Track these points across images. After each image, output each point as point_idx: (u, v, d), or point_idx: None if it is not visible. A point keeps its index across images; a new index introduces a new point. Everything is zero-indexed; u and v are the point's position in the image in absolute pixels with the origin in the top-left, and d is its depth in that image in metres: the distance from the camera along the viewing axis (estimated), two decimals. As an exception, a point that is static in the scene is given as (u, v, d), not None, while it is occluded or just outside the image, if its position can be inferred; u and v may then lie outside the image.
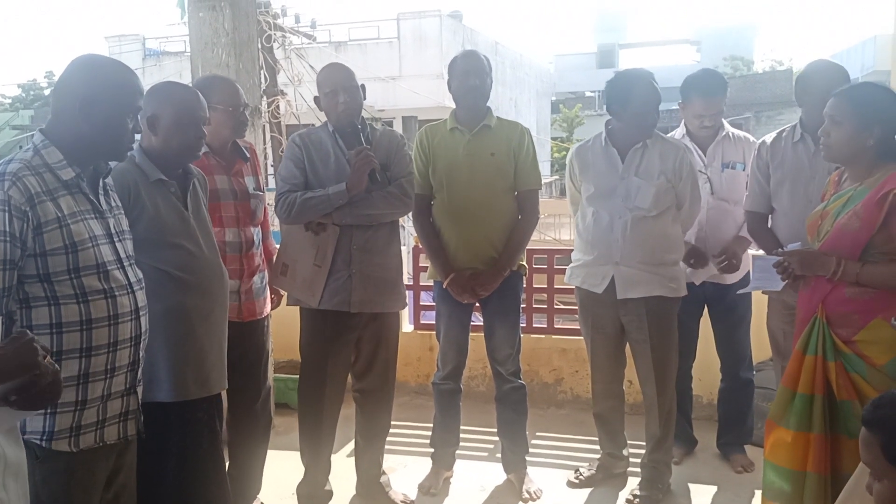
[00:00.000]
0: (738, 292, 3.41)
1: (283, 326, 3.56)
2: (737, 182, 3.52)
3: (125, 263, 2.01)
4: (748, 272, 3.57)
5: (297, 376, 3.28)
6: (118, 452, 2.04)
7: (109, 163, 2.06)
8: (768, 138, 3.32)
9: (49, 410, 1.84)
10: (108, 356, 1.92)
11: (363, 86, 3.13)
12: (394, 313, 3.27)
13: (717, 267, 3.46)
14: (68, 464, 1.88)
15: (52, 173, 1.88)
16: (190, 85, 2.75)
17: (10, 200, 1.77)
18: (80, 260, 1.87)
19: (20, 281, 1.82)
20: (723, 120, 3.59)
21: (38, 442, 1.84)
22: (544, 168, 26.24)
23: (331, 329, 3.09)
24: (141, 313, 2.01)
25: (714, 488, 3.51)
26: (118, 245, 2.00)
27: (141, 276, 2.07)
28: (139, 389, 2.07)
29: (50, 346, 1.82)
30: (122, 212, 2.11)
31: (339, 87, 3.03)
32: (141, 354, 2.04)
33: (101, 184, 2.01)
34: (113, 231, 2.00)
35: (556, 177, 27.30)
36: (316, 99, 3.12)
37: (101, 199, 2.00)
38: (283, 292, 3.30)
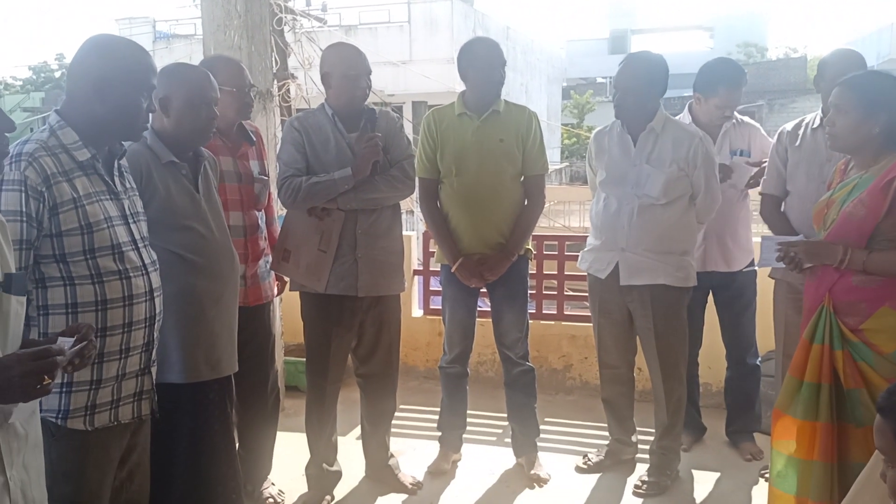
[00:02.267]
0: (744, 269, 3.41)
1: (293, 310, 3.57)
2: (744, 168, 3.51)
3: (140, 245, 2.02)
4: (752, 260, 3.58)
5: (305, 359, 3.30)
6: (132, 431, 2.07)
7: (124, 144, 2.07)
8: (789, 125, 3.31)
9: (64, 389, 1.87)
10: (122, 336, 1.94)
11: None
12: (395, 296, 3.27)
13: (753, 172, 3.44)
14: (83, 442, 1.91)
15: (67, 154, 1.89)
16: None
17: (26, 181, 1.79)
18: (95, 241, 1.88)
19: (36, 261, 1.84)
20: None
21: (53, 420, 1.87)
22: (554, 155, 26.19)
23: (335, 313, 3.10)
24: (155, 294, 2.03)
25: (722, 475, 3.52)
26: (133, 226, 2.01)
27: (155, 257, 2.08)
28: (153, 370, 2.09)
29: (66, 326, 1.83)
30: (137, 193, 2.12)
31: (364, 72, 3.03)
32: (155, 335, 2.06)
33: (115, 165, 2.02)
34: (128, 212, 2.01)
35: (567, 163, 27.19)
36: (325, 76, 3.07)
37: (116, 180, 2.01)
38: (286, 278, 3.30)
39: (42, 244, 1.83)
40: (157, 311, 2.04)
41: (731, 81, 3.44)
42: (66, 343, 1.51)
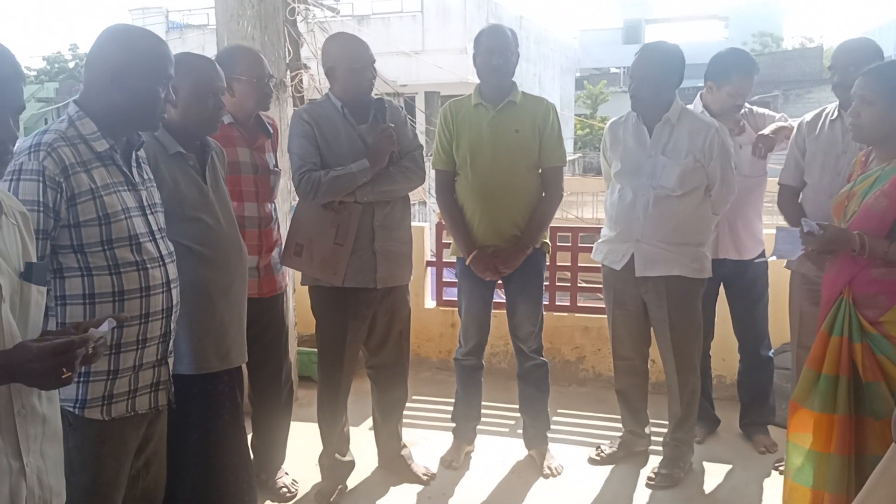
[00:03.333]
0: (756, 260, 3.40)
1: (306, 300, 3.58)
2: (753, 158, 3.48)
3: (157, 236, 2.02)
4: (763, 250, 3.55)
5: (318, 353, 3.29)
6: (149, 421, 2.07)
7: (141, 135, 2.07)
8: (808, 116, 3.29)
9: (82, 379, 1.88)
10: (139, 327, 1.94)
11: None
12: (404, 286, 3.27)
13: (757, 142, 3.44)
14: (100, 431, 1.92)
15: (86, 144, 1.89)
16: (211, 56, 2.74)
17: (44, 171, 1.79)
18: (112, 231, 1.88)
19: (54, 251, 1.84)
20: None
21: (70, 409, 1.88)
22: (568, 145, 26.06)
23: (352, 306, 3.09)
24: (172, 286, 2.03)
25: (736, 468, 3.50)
26: (150, 217, 2.01)
27: (172, 248, 2.08)
28: (170, 360, 2.10)
29: (83, 316, 1.85)
30: (154, 184, 2.12)
31: (369, 63, 3.00)
32: (172, 326, 2.06)
33: (133, 156, 2.02)
34: (145, 203, 2.01)
35: (580, 154, 27.09)
36: (329, 70, 3.03)
37: (134, 171, 2.01)
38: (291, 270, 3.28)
39: (60, 234, 1.83)
40: (174, 302, 2.05)
41: (744, 69, 3.43)
42: (96, 334, 1.51)
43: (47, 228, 1.80)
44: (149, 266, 1.95)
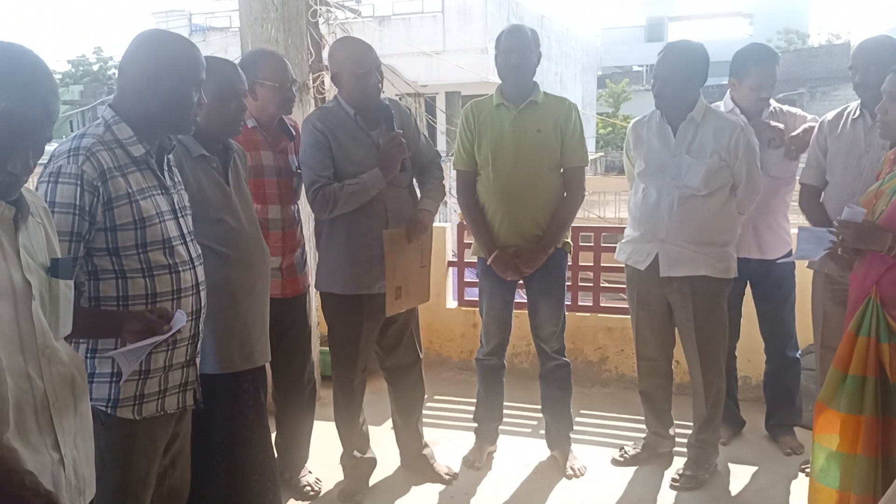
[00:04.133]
0: (779, 260, 3.40)
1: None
2: (778, 157, 3.44)
3: (187, 239, 2.05)
4: (790, 250, 3.52)
5: (331, 355, 3.29)
6: (176, 420, 2.10)
7: (173, 139, 2.10)
8: (830, 115, 3.27)
9: (114, 379, 1.91)
10: None
11: None
12: None
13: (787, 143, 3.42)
14: (131, 430, 1.95)
15: (123, 149, 1.92)
16: (235, 60, 2.77)
17: (83, 175, 1.82)
18: (147, 235, 1.91)
19: (89, 253, 1.87)
20: None
21: (103, 409, 1.91)
22: (589, 144, 25.91)
23: (367, 308, 3.09)
24: (201, 288, 2.06)
25: (761, 469, 3.47)
26: (181, 221, 2.04)
27: (200, 251, 2.11)
28: (198, 361, 2.13)
29: None
30: (184, 187, 2.15)
31: (374, 67, 2.99)
32: (201, 328, 2.09)
33: (165, 160, 2.05)
34: (177, 207, 2.04)
35: (602, 153, 26.97)
36: (335, 76, 3.01)
37: (166, 174, 2.04)
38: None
39: (96, 237, 1.87)
40: (203, 304, 2.08)
41: (762, 60, 3.42)
42: (179, 317, 1.83)
43: (81, 231, 1.83)
44: (181, 269, 1.99)
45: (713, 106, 3.36)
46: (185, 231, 2.05)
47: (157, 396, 1.99)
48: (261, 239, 2.55)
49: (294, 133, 3.15)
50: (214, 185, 2.41)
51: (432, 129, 18.14)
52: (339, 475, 3.37)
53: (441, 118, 15.32)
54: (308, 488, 3.28)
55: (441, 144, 18.00)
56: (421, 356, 3.39)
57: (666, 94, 3.16)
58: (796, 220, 3.64)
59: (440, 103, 18.38)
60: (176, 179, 2.10)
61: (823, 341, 3.17)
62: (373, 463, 3.37)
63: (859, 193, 2.80)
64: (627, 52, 39.75)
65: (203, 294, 2.08)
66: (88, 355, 1.91)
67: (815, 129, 3.29)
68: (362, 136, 3.02)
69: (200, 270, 2.08)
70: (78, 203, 1.81)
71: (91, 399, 1.79)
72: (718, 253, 3.18)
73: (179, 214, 2.04)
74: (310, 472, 3.36)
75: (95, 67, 41.07)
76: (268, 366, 2.67)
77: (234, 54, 3.90)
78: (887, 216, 2.42)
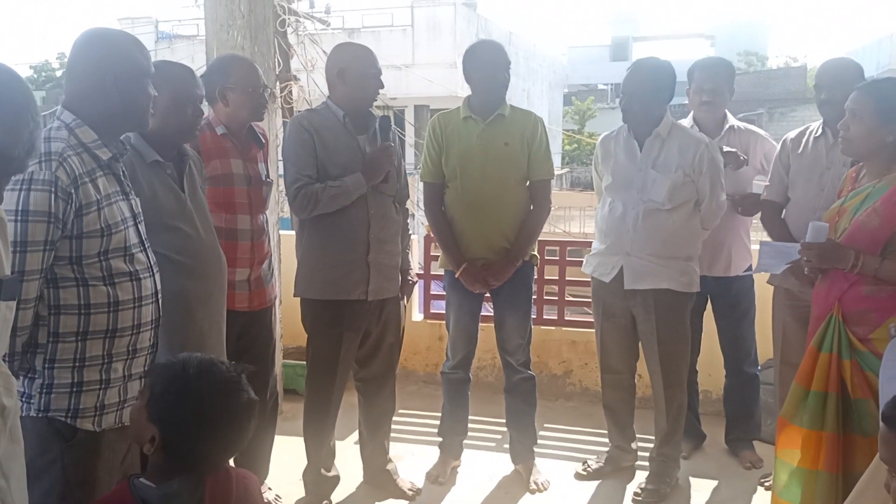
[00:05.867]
0: (742, 273, 3.45)
1: (293, 312, 3.55)
2: (740, 175, 3.50)
3: (146, 245, 2.01)
4: (749, 265, 3.57)
5: (305, 363, 3.26)
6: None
7: (125, 143, 2.05)
8: (793, 133, 3.33)
9: (74, 389, 1.85)
10: (131, 338, 1.93)
11: None
12: (395, 297, 3.24)
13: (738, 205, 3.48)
14: (95, 445, 1.89)
15: (89, 153, 1.87)
16: (201, 66, 2.73)
17: (56, 181, 1.75)
18: (111, 242, 1.86)
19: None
20: (727, 113, 3.59)
21: (63, 419, 1.84)
22: (555, 160, 26.15)
23: (347, 318, 3.06)
24: (159, 296, 2.02)
25: (721, 483, 3.49)
26: (140, 227, 2.00)
27: (155, 259, 2.06)
28: None
29: (77, 326, 1.83)
30: (136, 193, 2.09)
31: (380, 72, 3.00)
32: (158, 337, 2.04)
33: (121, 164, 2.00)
34: (136, 212, 1.99)
35: (567, 169, 27.23)
36: (340, 73, 2.96)
37: (123, 179, 1.99)
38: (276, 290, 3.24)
39: (60, 245, 1.80)
40: (161, 312, 2.03)
41: (703, 65, 3.55)
42: None
43: (54, 239, 1.77)
44: (141, 276, 1.94)
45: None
46: (143, 238, 2.00)
47: (117, 407, 1.93)
48: (218, 247, 2.50)
49: (263, 141, 3.12)
50: (169, 191, 2.35)
51: (401, 143, 18.15)
52: (300, 491, 3.30)
53: (410, 131, 15.33)
54: (268, 504, 3.21)
55: (410, 157, 17.99)
56: (395, 371, 3.35)
57: (633, 110, 3.19)
58: (756, 235, 3.70)
59: (409, 116, 18.39)
60: (130, 185, 2.05)
61: (783, 357, 3.21)
62: (336, 481, 3.31)
63: (821, 210, 2.85)
64: (593, 71, 40.30)
65: (161, 302, 2.03)
66: (47, 365, 1.84)
67: (779, 146, 3.35)
68: (349, 139, 3.00)
69: (158, 278, 2.03)
70: (52, 211, 1.75)
71: (50, 410, 1.73)
72: (682, 267, 3.21)
73: (138, 220, 2.00)
74: (269, 488, 3.28)
75: (58, 73, 40.39)
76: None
77: (200, 62, 3.86)
78: (849, 234, 2.46)
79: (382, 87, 3.03)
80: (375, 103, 3.10)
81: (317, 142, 2.96)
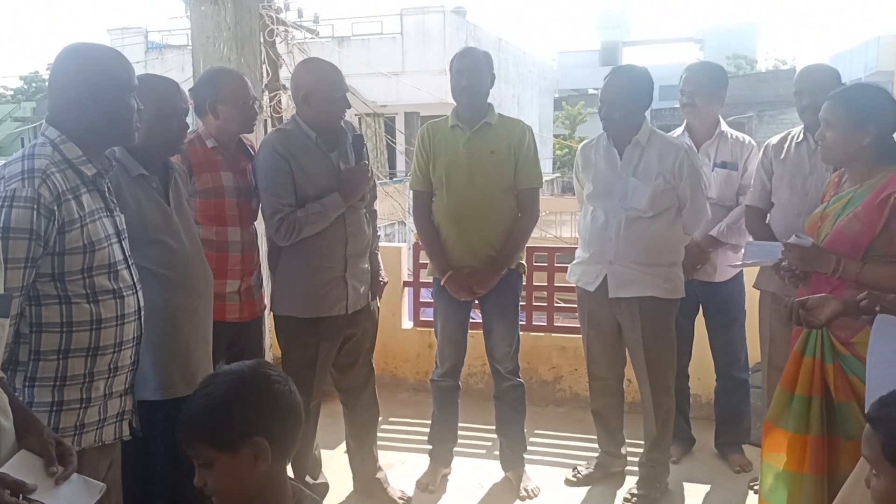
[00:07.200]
0: (728, 266, 3.48)
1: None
2: (728, 183, 3.52)
3: (129, 262, 2.00)
4: (741, 272, 3.58)
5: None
6: (109, 450, 2.04)
7: (110, 158, 2.05)
8: (775, 139, 3.36)
9: (55, 408, 1.84)
10: (112, 356, 1.92)
11: None
12: (367, 304, 3.24)
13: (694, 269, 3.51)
14: (76, 465, 1.87)
15: (73, 170, 1.86)
16: (192, 78, 2.73)
17: (39, 199, 1.75)
18: (95, 259, 1.86)
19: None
20: (720, 119, 3.61)
21: None
22: (546, 165, 26.24)
23: (324, 330, 3.06)
24: (142, 313, 2.01)
25: (712, 487, 3.50)
26: (124, 244, 1.99)
27: (138, 275, 2.05)
28: (134, 389, 2.07)
29: (59, 344, 1.82)
30: (122, 209, 2.09)
31: (345, 90, 2.99)
32: (139, 355, 2.03)
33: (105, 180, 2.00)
34: (120, 229, 1.99)
35: (558, 174, 27.28)
36: (305, 97, 2.94)
37: (108, 196, 1.99)
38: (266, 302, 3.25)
39: (42, 262, 1.79)
40: (143, 330, 2.02)
41: (688, 68, 3.59)
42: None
43: (35, 256, 1.77)
44: (125, 294, 1.93)
45: (672, 132, 3.45)
46: (127, 255, 2.00)
47: (97, 426, 1.93)
48: (204, 261, 2.49)
49: (252, 153, 3.12)
50: (154, 205, 2.35)
51: (392, 150, 18.16)
52: (290, 500, 3.30)
53: (400, 139, 15.36)
54: (257, 515, 3.20)
55: (400, 165, 18.02)
56: (374, 375, 3.36)
57: (612, 118, 3.20)
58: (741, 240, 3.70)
59: (399, 124, 18.44)
60: (114, 201, 2.04)
61: (770, 360, 3.23)
62: (325, 488, 3.30)
63: (805, 214, 2.87)
64: (583, 76, 40.35)
65: (143, 320, 2.03)
66: (27, 384, 1.83)
67: (761, 152, 3.38)
68: (323, 158, 2.99)
69: (141, 295, 2.03)
70: (34, 228, 1.74)
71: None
72: (665, 273, 3.22)
73: (122, 237, 1.99)
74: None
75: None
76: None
77: (190, 73, 3.86)
78: (832, 239, 2.48)
79: (350, 106, 3.03)
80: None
81: (293, 167, 2.93)
